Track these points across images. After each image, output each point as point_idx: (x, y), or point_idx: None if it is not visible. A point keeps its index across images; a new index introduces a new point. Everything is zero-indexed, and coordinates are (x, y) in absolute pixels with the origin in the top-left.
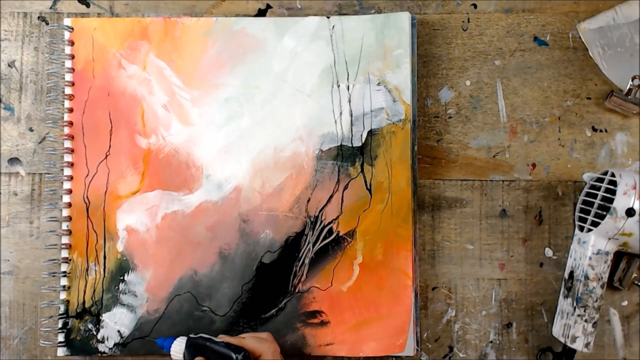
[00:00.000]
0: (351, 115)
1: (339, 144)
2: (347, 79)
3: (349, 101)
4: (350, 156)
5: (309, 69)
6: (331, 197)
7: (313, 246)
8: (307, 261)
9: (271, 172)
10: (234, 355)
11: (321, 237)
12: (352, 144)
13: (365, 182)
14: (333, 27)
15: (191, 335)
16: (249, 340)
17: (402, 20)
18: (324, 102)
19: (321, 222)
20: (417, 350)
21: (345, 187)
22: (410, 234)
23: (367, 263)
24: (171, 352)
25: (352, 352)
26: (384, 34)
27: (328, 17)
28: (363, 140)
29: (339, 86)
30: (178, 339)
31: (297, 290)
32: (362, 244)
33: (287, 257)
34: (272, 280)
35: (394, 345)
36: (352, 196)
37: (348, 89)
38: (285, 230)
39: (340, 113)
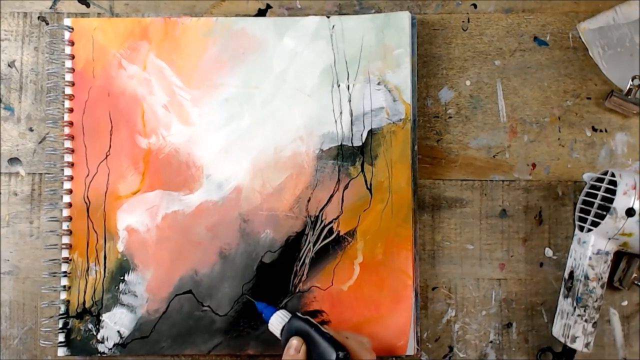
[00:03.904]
0: (351, 115)
1: (339, 144)
2: (347, 78)
3: (349, 101)
4: (351, 156)
5: (309, 69)
6: (331, 196)
7: (313, 246)
8: (307, 261)
9: (271, 171)
10: (335, 352)
11: (321, 237)
12: (352, 143)
13: (366, 181)
14: (333, 26)
15: (298, 314)
16: (352, 341)
17: (402, 19)
18: (324, 101)
19: (321, 221)
20: (417, 349)
21: (346, 187)
22: (411, 233)
23: (368, 263)
24: (269, 324)
25: None
26: (384, 33)
27: (328, 17)
28: (363, 139)
29: (339, 86)
30: (281, 312)
31: (297, 290)
32: (362, 243)
33: (288, 257)
34: (273, 280)
35: (396, 345)
36: (352, 196)
37: (348, 89)
38: (286, 230)
39: (341, 113)
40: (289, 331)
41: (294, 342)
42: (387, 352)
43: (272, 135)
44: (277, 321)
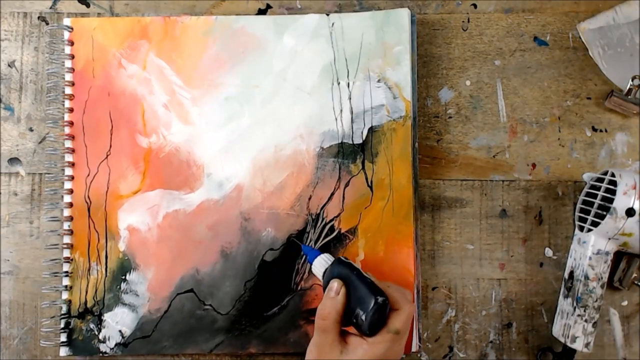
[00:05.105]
0: (351, 113)
1: (340, 142)
2: (347, 76)
3: (349, 98)
4: (351, 153)
5: (309, 67)
6: (332, 194)
7: (315, 244)
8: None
9: (272, 170)
10: (374, 297)
11: (323, 235)
12: (352, 141)
13: (367, 179)
14: (332, 24)
15: (341, 257)
16: (393, 290)
17: (402, 17)
18: (324, 99)
19: (323, 219)
20: (419, 346)
21: (347, 185)
22: (412, 230)
23: (369, 260)
24: (312, 266)
25: None
26: (383, 31)
27: (327, 15)
28: (364, 137)
29: (339, 84)
30: (324, 255)
31: (299, 288)
32: (363, 241)
33: (289, 255)
34: (275, 278)
35: None
36: (353, 193)
37: (348, 87)
38: (287, 228)
39: (341, 110)
40: (330, 274)
41: (335, 284)
42: None
43: (272, 133)
44: (320, 264)
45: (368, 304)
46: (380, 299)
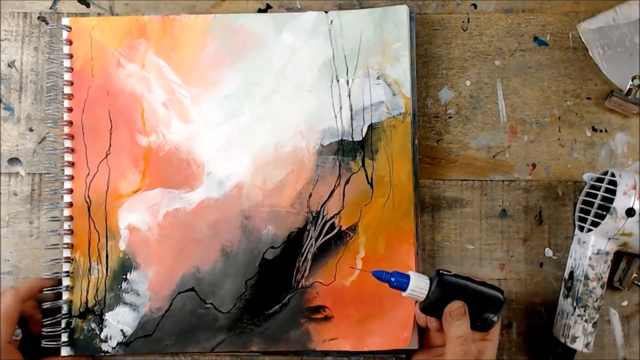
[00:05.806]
0: (351, 110)
1: (340, 139)
2: (347, 73)
3: (349, 95)
4: (351, 151)
5: (308, 64)
6: (332, 192)
7: (315, 241)
8: (309, 256)
9: (272, 168)
10: (501, 295)
11: (323, 232)
12: (352, 138)
13: (367, 176)
14: (331, 21)
15: (443, 272)
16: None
17: (401, 13)
18: (324, 97)
19: (323, 217)
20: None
21: (347, 182)
22: (412, 227)
23: (370, 257)
24: (410, 290)
25: (357, 346)
26: (382, 27)
27: (326, 12)
28: (363, 134)
29: (338, 81)
30: (416, 275)
31: (300, 286)
32: (364, 238)
33: (290, 253)
34: (275, 276)
35: (399, 339)
36: (353, 191)
37: (347, 84)
38: (287, 226)
39: (340, 108)
40: (441, 291)
41: (461, 309)
42: (390, 346)
43: (272, 131)
44: (420, 285)
45: (498, 305)
46: (504, 295)
